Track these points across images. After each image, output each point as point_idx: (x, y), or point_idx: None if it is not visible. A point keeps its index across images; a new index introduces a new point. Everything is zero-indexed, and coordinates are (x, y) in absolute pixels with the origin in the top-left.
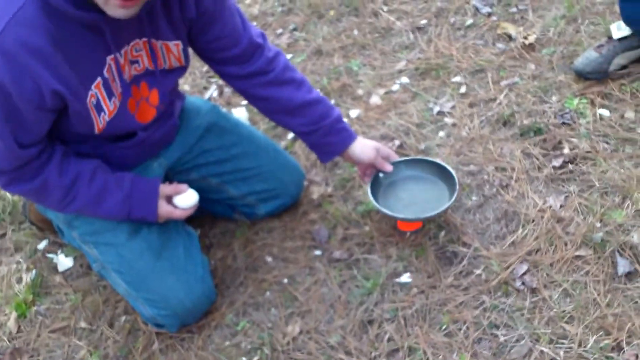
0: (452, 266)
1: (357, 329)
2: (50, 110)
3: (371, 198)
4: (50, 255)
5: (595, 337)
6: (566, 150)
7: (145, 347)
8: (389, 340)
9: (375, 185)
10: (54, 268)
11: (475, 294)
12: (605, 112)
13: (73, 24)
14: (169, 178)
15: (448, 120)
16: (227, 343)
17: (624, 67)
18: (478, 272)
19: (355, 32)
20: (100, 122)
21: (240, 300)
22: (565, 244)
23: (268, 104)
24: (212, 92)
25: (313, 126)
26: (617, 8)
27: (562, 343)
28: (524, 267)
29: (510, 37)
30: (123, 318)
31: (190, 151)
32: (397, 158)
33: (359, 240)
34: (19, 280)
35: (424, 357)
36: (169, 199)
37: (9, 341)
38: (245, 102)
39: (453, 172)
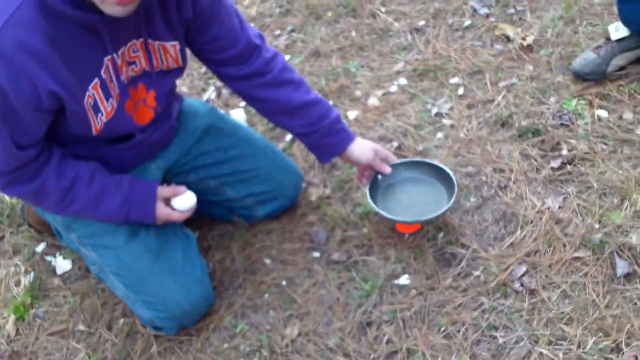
0: (451, 268)
1: (356, 331)
2: (48, 111)
3: (370, 200)
4: (48, 258)
5: (594, 338)
6: (564, 152)
7: (144, 350)
8: (387, 342)
9: (374, 187)
10: (52, 271)
11: (474, 296)
12: (603, 113)
13: (70, 25)
14: (167, 180)
15: (446, 121)
16: (226, 345)
17: (622, 68)
18: (477, 273)
19: (353, 33)
20: (97, 123)
21: (238, 303)
22: (564, 245)
23: (266, 105)
24: (210, 93)
25: (311, 127)
26: (615, 9)
27: (561, 344)
28: (523, 269)
29: (508, 38)
30: (121, 321)
31: (188, 153)
32: (395, 160)
33: (358, 242)
34: (17, 283)
35: (422, 359)
36: (167, 201)
37: (7, 344)
38: (243, 103)
39: (451, 174)
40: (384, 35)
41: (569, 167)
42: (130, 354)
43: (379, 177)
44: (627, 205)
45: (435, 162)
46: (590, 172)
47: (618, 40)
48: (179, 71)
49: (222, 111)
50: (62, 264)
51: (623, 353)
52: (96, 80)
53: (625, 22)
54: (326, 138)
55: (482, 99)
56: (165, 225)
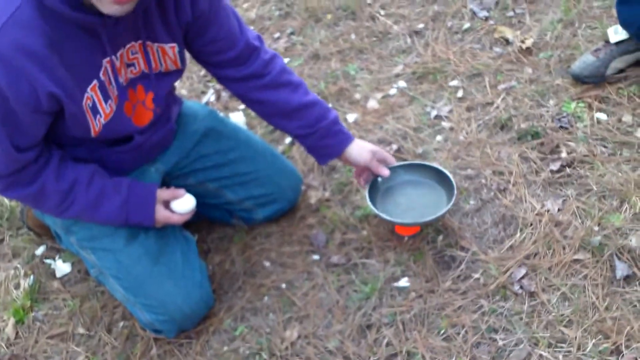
0: (450, 270)
1: (356, 334)
2: (47, 113)
3: (369, 203)
4: (48, 261)
5: (594, 340)
6: (564, 154)
7: (144, 353)
8: (387, 344)
9: (373, 190)
10: (51, 274)
11: (473, 298)
12: (602, 116)
13: (69, 26)
14: (166, 183)
15: (445, 124)
16: (226, 348)
17: (621, 70)
18: (476, 276)
19: (353, 36)
20: (96, 125)
21: (238, 306)
22: (564, 248)
23: (265, 107)
24: (210, 96)
25: (310, 128)
26: (614, 12)
27: (561, 347)
28: (522, 271)
29: (507, 41)
30: (121, 324)
31: (187, 156)
32: (394, 161)
33: (357, 245)
34: (17, 286)
35: None
36: (167, 204)
37: (7, 347)
38: (242, 106)
39: (451, 176)
40: (384, 38)
41: (568, 170)
42: (129, 357)
43: (379, 179)
44: (626, 208)
45: (435, 164)
46: (590, 174)
47: (617, 43)
48: (177, 73)
49: (221, 114)
50: (62, 267)
51: (623, 355)
52: (95, 82)
53: (624, 25)
54: (324, 139)
55: (481, 102)
56: (164, 228)
